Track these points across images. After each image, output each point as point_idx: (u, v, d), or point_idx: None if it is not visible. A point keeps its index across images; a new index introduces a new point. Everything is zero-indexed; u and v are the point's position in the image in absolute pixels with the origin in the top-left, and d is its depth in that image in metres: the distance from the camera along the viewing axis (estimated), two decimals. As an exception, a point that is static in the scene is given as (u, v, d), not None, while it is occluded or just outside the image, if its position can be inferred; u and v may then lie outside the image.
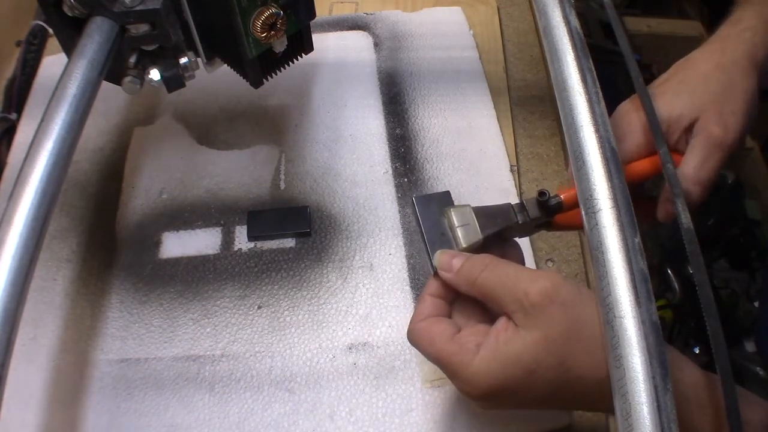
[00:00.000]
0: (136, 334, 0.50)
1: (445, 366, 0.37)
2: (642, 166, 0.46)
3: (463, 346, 0.36)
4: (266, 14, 0.43)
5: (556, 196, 0.40)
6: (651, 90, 0.48)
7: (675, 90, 0.47)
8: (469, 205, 0.40)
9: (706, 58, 0.48)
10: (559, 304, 0.34)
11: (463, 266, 0.38)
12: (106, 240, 0.55)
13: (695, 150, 0.45)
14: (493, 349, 0.35)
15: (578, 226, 0.41)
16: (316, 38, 0.50)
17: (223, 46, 0.46)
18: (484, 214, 0.40)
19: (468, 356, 0.35)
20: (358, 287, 0.52)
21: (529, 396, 0.35)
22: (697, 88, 0.46)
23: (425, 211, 0.40)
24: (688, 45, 0.99)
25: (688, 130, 0.46)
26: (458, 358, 0.36)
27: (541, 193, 0.40)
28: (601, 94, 0.40)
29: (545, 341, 0.34)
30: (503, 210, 0.40)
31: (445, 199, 0.40)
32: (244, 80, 0.48)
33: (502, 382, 0.35)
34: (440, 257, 0.39)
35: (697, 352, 0.75)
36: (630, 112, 0.47)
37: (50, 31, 0.68)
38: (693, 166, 0.45)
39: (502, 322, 0.36)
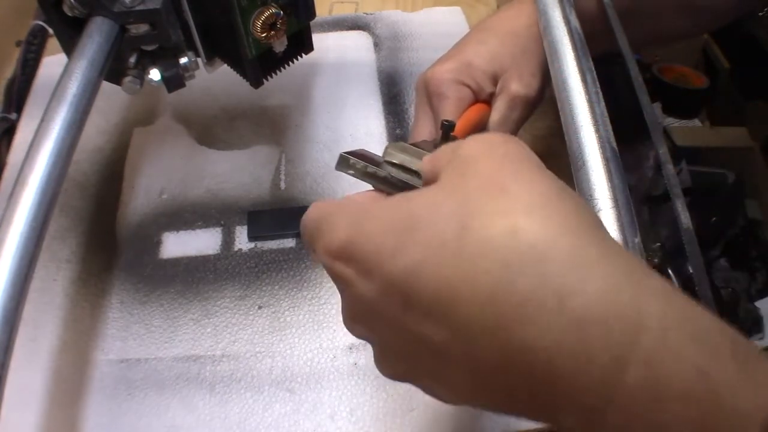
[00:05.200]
0: (136, 334, 0.50)
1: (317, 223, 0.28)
2: (474, 111, 0.48)
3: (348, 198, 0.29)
4: (266, 14, 0.43)
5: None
6: (447, 54, 0.51)
7: (475, 50, 0.50)
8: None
9: (501, 24, 0.51)
10: (498, 156, 0.25)
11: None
12: (106, 240, 0.55)
13: (499, 107, 0.48)
14: (375, 198, 0.29)
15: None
16: (316, 38, 0.50)
17: (223, 46, 0.46)
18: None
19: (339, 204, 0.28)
20: (358, 287, 0.52)
21: (401, 261, 0.24)
22: (496, 48, 0.49)
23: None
24: (688, 44, 0.99)
25: (493, 82, 0.49)
26: (328, 207, 0.28)
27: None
28: (601, 94, 0.40)
29: (451, 187, 0.25)
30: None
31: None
32: (244, 80, 0.48)
33: (370, 227, 0.25)
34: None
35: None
36: (444, 76, 0.49)
37: (50, 31, 0.68)
38: (495, 122, 0.48)
39: None
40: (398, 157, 0.33)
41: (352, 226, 0.26)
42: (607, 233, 0.24)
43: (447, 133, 0.40)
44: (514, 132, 0.50)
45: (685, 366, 0.20)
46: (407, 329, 0.24)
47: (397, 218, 0.25)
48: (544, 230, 0.22)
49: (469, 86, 0.48)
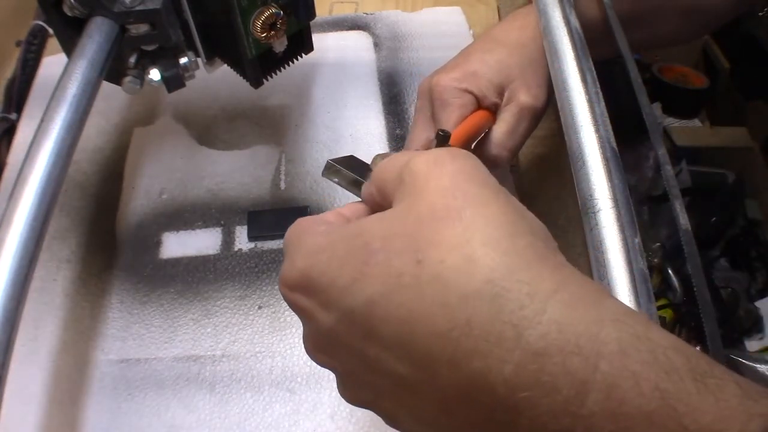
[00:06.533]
0: (136, 334, 0.50)
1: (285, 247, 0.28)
2: (474, 118, 0.48)
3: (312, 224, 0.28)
4: (266, 14, 0.43)
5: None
6: (453, 62, 0.50)
7: (481, 59, 0.49)
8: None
9: (508, 34, 0.51)
10: (447, 174, 0.25)
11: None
12: (106, 240, 0.55)
13: (506, 117, 0.48)
14: (336, 225, 0.28)
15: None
16: (316, 38, 0.50)
17: (223, 46, 0.46)
18: None
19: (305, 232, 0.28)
20: (358, 287, 0.52)
21: (358, 294, 0.24)
22: (504, 59, 0.49)
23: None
24: (688, 44, 0.99)
25: (498, 92, 0.48)
26: (294, 234, 0.28)
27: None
28: (601, 94, 0.40)
29: (404, 212, 0.25)
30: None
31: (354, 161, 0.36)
32: (244, 80, 0.48)
33: (325, 259, 0.25)
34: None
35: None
36: (449, 83, 0.48)
37: (50, 31, 0.68)
38: (503, 132, 0.47)
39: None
40: None
41: (309, 257, 0.26)
42: (562, 258, 0.24)
43: (441, 144, 0.40)
44: (521, 143, 0.49)
45: (645, 388, 0.21)
46: (369, 360, 0.24)
47: (353, 250, 0.25)
48: (499, 262, 0.22)
49: (473, 94, 0.48)
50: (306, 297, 0.26)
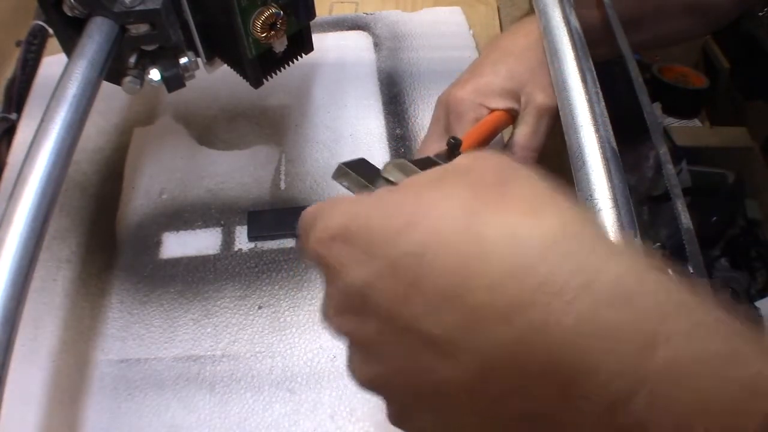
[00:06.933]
0: (136, 334, 0.50)
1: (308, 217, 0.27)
2: (486, 122, 0.49)
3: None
4: (266, 14, 0.43)
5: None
6: (466, 75, 0.52)
7: (493, 70, 0.51)
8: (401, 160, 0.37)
9: (515, 42, 0.52)
10: (493, 164, 0.25)
11: None
12: (106, 240, 0.55)
13: (527, 120, 0.49)
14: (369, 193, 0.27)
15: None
16: (316, 38, 0.50)
17: (223, 46, 0.46)
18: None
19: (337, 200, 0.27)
20: (358, 287, 0.52)
21: (410, 240, 0.22)
22: (514, 66, 0.50)
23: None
24: (688, 44, 0.99)
25: (513, 98, 0.50)
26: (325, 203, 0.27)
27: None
28: (601, 94, 0.40)
29: (454, 182, 0.24)
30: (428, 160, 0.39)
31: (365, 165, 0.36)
32: (244, 80, 0.48)
33: (371, 209, 0.24)
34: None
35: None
36: (464, 97, 0.50)
37: (50, 31, 0.68)
38: (525, 134, 0.49)
39: None
40: (395, 176, 0.32)
41: (353, 208, 0.25)
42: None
43: (453, 150, 0.40)
44: (543, 143, 0.50)
45: (716, 345, 0.19)
46: (402, 319, 0.22)
47: (404, 199, 0.24)
48: (563, 217, 0.22)
49: (487, 107, 0.49)
50: (345, 246, 0.24)
